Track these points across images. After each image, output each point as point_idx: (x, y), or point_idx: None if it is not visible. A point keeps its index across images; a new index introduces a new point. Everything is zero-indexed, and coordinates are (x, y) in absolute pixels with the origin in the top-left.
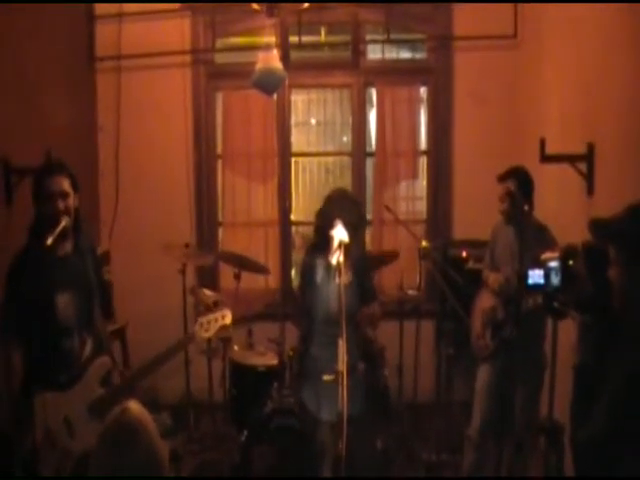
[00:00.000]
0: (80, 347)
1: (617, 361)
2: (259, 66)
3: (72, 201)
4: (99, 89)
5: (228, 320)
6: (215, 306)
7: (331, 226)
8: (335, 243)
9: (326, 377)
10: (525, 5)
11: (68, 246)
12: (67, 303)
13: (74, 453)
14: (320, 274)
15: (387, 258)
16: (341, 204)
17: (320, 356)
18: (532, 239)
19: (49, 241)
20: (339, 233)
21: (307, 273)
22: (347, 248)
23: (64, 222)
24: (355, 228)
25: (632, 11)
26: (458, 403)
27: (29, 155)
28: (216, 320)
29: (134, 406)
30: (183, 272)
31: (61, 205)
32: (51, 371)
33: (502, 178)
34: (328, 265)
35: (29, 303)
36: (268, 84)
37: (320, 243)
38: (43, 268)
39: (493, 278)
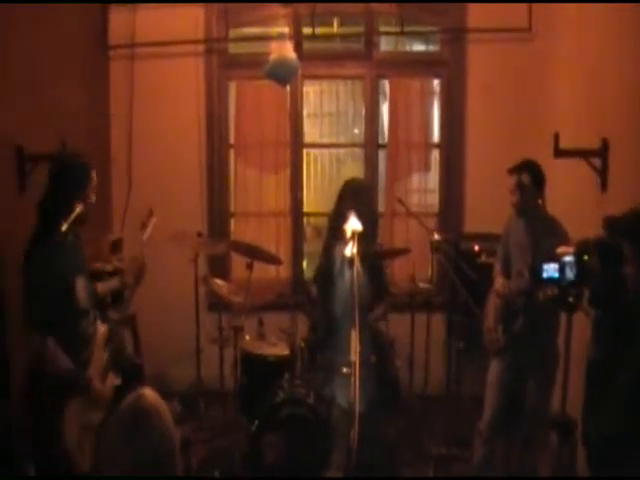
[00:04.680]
0: (93, 326)
1: (631, 356)
2: (273, 56)
3: None
4: (112, 77)
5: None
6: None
7: (345, 219)
8: (348, 234)
9: (345, 370)
10: None
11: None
12: (83, 285)
13: (95, 424)
14: (337, 266)
15: (399, 253)
16: (354, 196)
17: (339, 347)
18: (544, 232)
19: (64, 227)
20: (352, 224)
21: (326, 265)
22: (360, 238)
23: (78, 209)
24: (368, 219)
25: None
26: (468, 397)
27: (43, 142)
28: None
29: (149, 393)
30: (195, 261)
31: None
32: (73, 353)
33: (513, 170)
34: (344, 257)
35: (53, 287)
36: (282, 74)
37: (336, 235)
38: (62, 252)
39: (500, 283)
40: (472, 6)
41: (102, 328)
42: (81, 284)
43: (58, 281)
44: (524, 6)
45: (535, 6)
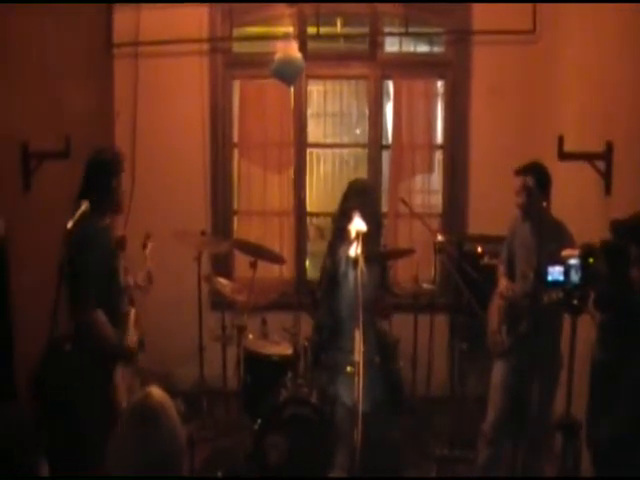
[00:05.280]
0: (127, 306)
1: (636, 358)
2: (279, 56)
3: None
4: (116, 76)
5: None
6: None
7: (349, 219)
8: (352, 234)
9: (350, 368)
10: None
11: None
12: (121, 267)
13: None
14: (342, 267)
15: (402, 253)
16: (359, 196)
17: (344, 347)
18: (549, 235)
19: (69, 225)
20: (356, 224)
21: (331, 266)
22: (364, 239)
23: (84, 207)
24: (372, 220)
25: None
26: (472, 398)
27: (47, 140)
28: None
29: (156, 391)
30: (198, 260)
31: None
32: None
33: (519, 172)
34: (348, 257)
35: (102, 264)
36: (288, 74)
37: (341, 236)
38: (108, 237)
39: (504, 285)
40: (477, 7)
41: (132, 310)
42: (120, 265)
43: (105, 258)
44: (529, 8)
45: (539, 7)
